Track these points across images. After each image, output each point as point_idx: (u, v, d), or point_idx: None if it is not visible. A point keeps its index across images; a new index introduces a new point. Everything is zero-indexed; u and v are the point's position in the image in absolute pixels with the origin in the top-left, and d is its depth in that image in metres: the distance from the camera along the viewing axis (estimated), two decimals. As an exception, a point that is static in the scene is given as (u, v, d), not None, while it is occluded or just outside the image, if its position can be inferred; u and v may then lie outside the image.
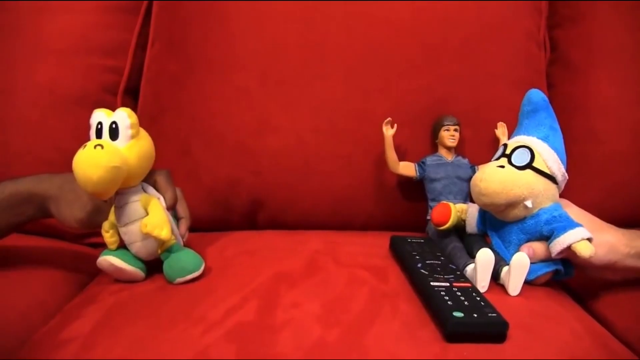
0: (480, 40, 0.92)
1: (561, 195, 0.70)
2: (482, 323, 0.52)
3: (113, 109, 0.94)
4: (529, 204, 0.65)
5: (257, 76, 0.89)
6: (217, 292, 0.61)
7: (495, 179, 0.66)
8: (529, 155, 0.67)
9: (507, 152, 0.69)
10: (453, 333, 0.51)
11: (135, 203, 0.63)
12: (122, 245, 0.66)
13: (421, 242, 0.74)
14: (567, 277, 0.68)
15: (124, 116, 0.61)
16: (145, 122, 0.92)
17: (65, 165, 0.65)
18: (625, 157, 0.92)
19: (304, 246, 0.76)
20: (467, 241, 0.74)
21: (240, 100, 0.89)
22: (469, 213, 0.75)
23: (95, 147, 0.57)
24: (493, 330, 0.52)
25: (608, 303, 0.70)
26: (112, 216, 0.65)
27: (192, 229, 0.72)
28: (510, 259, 0.65)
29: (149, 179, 0.66)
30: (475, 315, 0.52)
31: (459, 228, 0.76)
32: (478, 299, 0.56)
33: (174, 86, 0.93)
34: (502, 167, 0.67)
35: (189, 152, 0.90)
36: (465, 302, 0.55)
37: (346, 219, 0.91)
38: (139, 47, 0.98)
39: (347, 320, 0.55)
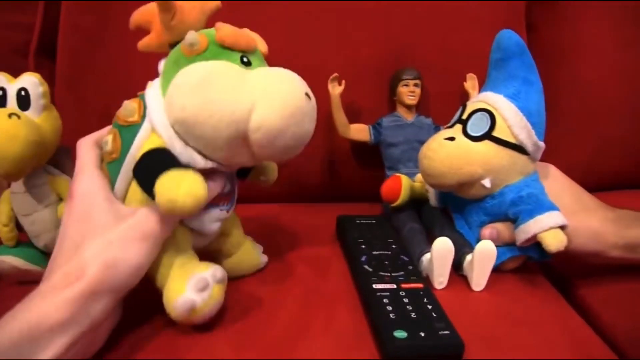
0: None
1: (544, 154, 0.58)
2: (431, 345, 0.41)
3: (23, 72, 0.83)
4: (486, 183, 0.54)
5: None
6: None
7: (440, 156, 0.54)
8: (488, 122, 0.55)
9: (464, 117, 0.57)
10: (393, 358, 0.41)
11: (45, 186, 0.54)
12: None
13: (372, 224, 0.63)
14: (543, 259, 0.57)
15: (35, 82, 0.52)
16: (63, 86, 0.81)
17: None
18: (617, 109, 0.84)
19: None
20: (426, 218, 0.64)
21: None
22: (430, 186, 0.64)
23: (10, 116, 0.48)
24: (445, 353, 0.42)
25: (594, 289, 0.59)
26: (6, 206, 0.55)
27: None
28: (474, 241, 0.56)
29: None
30: (423, 334, 0.42)
31: (419, 201, 0.66)
32: (430, 307, 0.45)
33: (91, 43, 0.80)
34: (452, 139, 0.55)
35: (111, 120, 0.78)
36: (413, 314, 0.44)
37: (295, 189, 0.80)
38: (51, -3, 0.84)
39: (268, 337, 0.45)
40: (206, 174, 0.44)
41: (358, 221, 0.64)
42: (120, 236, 0.41)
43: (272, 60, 0.75)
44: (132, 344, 0.44)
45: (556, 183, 0.58)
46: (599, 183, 0.75)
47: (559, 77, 0.83)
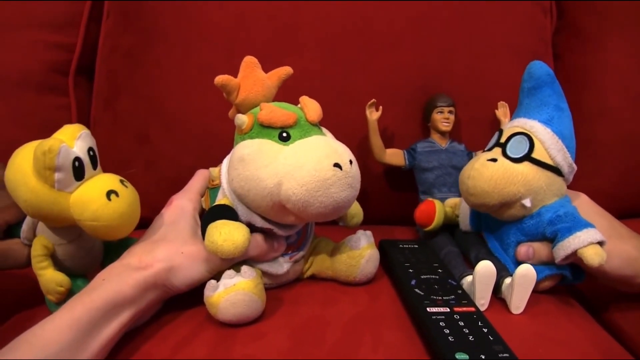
0: (477, 6, 0.81)
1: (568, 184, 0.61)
2: None
3: (64, 90, 0.84)
4: (526, 203, 0.55)
5: (222, 51, 0.79)
6: (166, 319, 0.51)
7: (484, 176, 0.56)
8: (527, 144, 0.57)
9: (502, 140, 0.59)
10: None
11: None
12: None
13: (414, 248, 0.64)
14: (576, 282, 0.58)
15: (90, 135, 0.50)
16: (100, 105, 0.83)
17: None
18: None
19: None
20: (460, 240, 0.66)
21: (204, 79, 0.76)
22: (462, 209, 0.66)
23: (123, 183, 0.50)
24: None
25: (626, 314, 0.60)
26: (51, 264, 0.52)
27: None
28: (510, 263, 0.57)
29: None
30: (483, 356, 0.43)
31: (452, 224, 0.68)
32: (485, 330, 0.47)
33: (130, 64, 0.82)
34: (494, 160, 0.57)
35: (148, 138, 0.80)
36: (470, 337, 0.45)
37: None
38: (92, 20, 0.86)
39: (318, 355, 0.45)
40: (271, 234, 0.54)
41: (401, 245, 0.65)
42: (190, 251, 0.51)
43: (306, 84, 0.77)
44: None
45: (590, 210, 0.59)
46: (624, 209, 0.77)
47: (584, 104, 0.84)
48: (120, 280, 0.46)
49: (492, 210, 0.58)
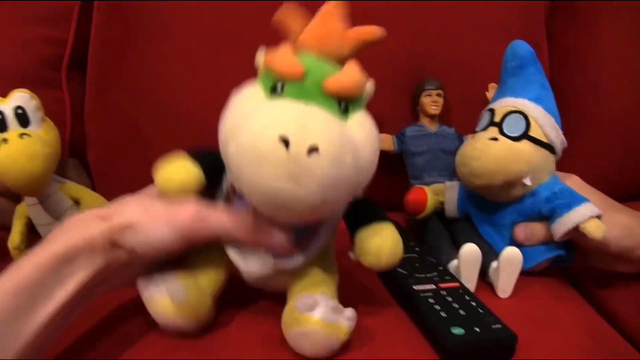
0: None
1: (566, 162, 0.60)
2: (488, 339, 0.42)
3: (58, 84, 0.85)
4: (527, 181, 0.55)
5: (210, 37, 0.78)
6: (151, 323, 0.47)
7: (489, 155, 0.55)
8: (524, 123, 0.56)
9: (497, 119, 0.58)
10: (454, 355, 0.42)
11: (57, 194, 0.58)
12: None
13: None
14: (567, 263, 0.58)
15: (27, 97, 0.55)
16: (93, 98, 0.84)
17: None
18: (637, 117, 0.82)
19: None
20: (449, 226, 0.65)
21: (191, 67, 0.78)
22: (447, 195, 0.65)
23: (21, 136, 0.52)
24: (500, 345, 0.43)
25: (619, 296, 0.59)
26: (20, 223, 0.57)
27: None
28: (504, 246, 0.56)
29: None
30: (478, 329, 0.43)
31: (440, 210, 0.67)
32: (474, 304, 0.47)
33: (120, 56, 0.82)
34: (495, 139, 0.56)
35: (138, 129, 0.80)
36: (461, 311, 0.45)
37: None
38: (83, 14, 0.86)
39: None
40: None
41: None
42: (155, 212, 0.43)
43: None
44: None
45: (582, 189, 0.58)
46: (621, 191, 0.75)
47: (579, 84, 0.83)
48: (84, 227, 0.41)
49: (492, 191, 0.58)
